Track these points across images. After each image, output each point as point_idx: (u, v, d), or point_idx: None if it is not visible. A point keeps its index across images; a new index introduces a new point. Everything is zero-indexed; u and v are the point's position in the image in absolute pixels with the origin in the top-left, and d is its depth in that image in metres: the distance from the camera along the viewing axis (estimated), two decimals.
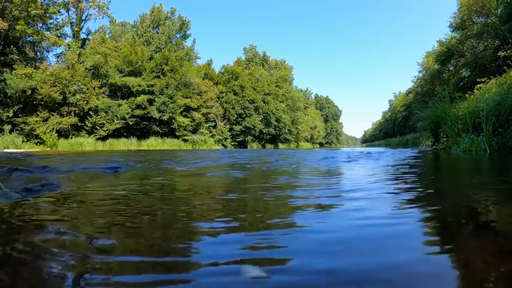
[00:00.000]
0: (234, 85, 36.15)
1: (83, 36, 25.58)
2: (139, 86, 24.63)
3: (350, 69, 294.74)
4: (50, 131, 19.26)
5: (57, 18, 22.97)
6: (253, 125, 37.06)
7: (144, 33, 31.67)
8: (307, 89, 77.44)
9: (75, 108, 21.29)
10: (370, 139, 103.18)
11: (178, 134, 26.71)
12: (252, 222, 1.05)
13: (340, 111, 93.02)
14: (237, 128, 35.54)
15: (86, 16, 25.26)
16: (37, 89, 19.17)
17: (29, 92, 18.94)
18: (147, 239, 0.88)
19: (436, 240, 0.87)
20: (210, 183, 2.33)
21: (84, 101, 21.31)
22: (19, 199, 1.43)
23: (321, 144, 71.73)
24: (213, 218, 1.12)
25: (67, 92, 20.61)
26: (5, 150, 13.86)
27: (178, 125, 26.57)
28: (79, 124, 21.48)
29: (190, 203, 1.44)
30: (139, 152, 10.91)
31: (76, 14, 24.71)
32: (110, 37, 28.80)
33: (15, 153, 9.24)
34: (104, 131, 21.83)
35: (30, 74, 19.24)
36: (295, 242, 0.82)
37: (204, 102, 29.87)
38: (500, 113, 6.13)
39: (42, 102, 19.56)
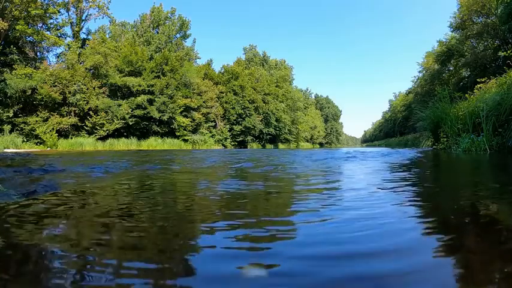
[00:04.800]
0: (234, 85, 36.11)
1: (83, 36, 25.56)
2: (139, 86, 24.60)
3: (350, 69, 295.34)
4: (50, 131, 19.24)
5: (57, 18, 22.95)
6: (253, 125, 37.02)
7: (144, 33, 31.64)
8: (307, 89, 77.51)
9: (75, 108, 21.26)
10: (370, 139, 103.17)
11: (178, 134, 26.70)
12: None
13: (340, 111, 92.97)
14: (237, 128, 35.50)
15: (86, 16, 25.24)
16: (37, 89, 19.14)
17: (29, 92, 18.91)
18: (147, 238, 0.88)
19: (435, 240, 0.87)
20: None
21: (84, 101, 21.28)
22: (19, 199, 1.43)
23: (321, 144, 71.67)
24: (214, 218, 1.12)
25: (67, 92, 20.59)
26: (5, 150, 13.85)
27: (178, 125, 26.56)
28: (79, 124, 21.46)
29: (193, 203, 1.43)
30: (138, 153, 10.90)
31: (76, 14, 24.68)
32: (109, 37, 28.76)
33: (15, 153, 9.24)
34: (104, 131, 21.81)
35: (30, 74, 19.20)
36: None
37: (204, 102, 29.85)
38: (500, 113, 6.12)
39: (42, 102, 19.53)
